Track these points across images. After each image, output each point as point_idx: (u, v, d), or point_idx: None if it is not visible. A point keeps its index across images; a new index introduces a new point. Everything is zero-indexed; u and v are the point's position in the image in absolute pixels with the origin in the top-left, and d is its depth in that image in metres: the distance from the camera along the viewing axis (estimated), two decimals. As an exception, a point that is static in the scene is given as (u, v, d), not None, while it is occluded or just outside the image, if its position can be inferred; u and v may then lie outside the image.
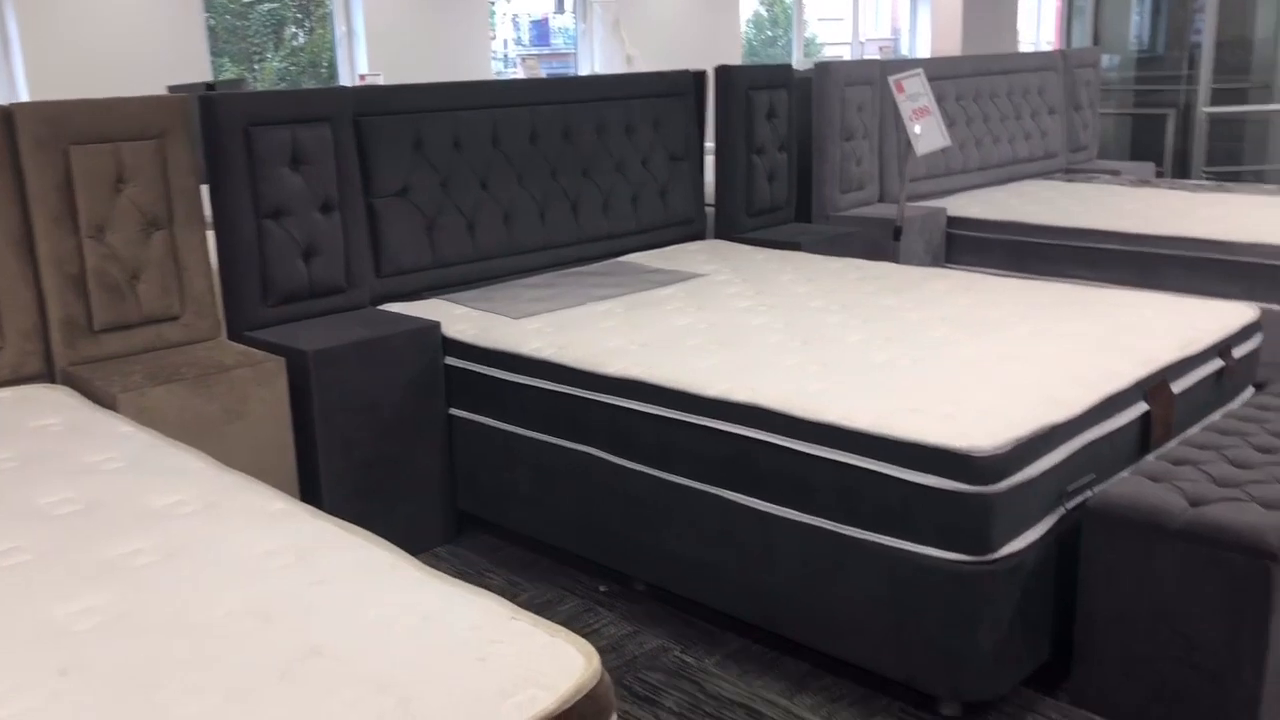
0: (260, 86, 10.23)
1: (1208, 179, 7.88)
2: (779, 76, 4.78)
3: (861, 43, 15.64)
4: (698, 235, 4.74)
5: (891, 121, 5.38)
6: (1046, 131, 6.47)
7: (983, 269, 5.17)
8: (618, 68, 11.91)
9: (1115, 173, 6.52)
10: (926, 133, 4.73)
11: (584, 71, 12.30)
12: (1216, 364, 3.09)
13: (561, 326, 3.34)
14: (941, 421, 2.42)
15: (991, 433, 2.34)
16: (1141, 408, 2.76)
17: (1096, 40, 9.98)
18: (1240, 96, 9.45)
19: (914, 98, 4.73)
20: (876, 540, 2.44)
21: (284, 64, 10.72)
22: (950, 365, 2.82)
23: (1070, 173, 6.62)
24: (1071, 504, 2.51)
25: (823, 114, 5.14)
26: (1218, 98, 9.18)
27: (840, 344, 3.07)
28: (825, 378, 2.76)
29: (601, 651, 2.82)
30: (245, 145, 3.20)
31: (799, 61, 15.10)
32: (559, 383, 3.06)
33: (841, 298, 3.60)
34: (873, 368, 2.83)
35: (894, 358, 2.91)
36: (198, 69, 8.47)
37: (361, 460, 3.18)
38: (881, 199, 5.48)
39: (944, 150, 4.94)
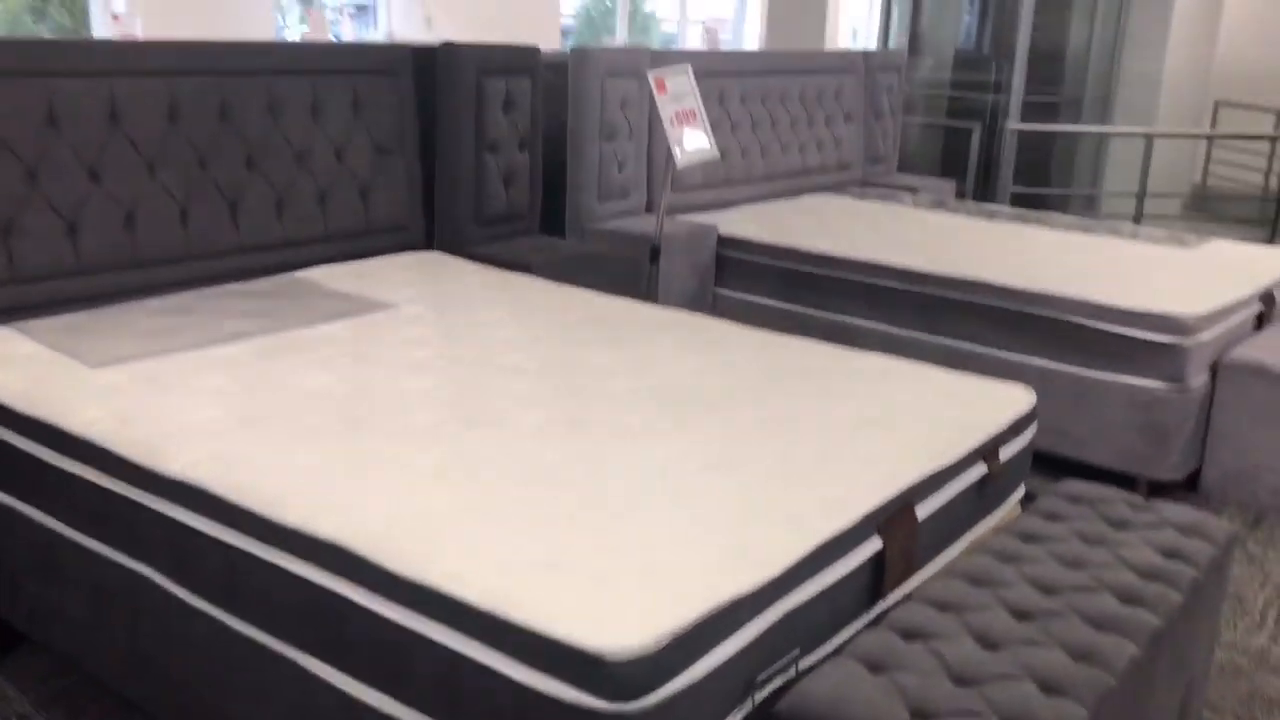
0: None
1: (1009, 201, 7.53)
2: (521, 60, 3.99)
3: (702, 23, 14.95)
4: (415, 245, 3.92)
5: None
6: (842, 140, 5.90)
7: (754, 296, 4.54)
8: (415, 29, 10.90)
9: (913, 189, 6.01)
10: (690, 140, 4.03)
11: (378, 30, 11.22)
12: (979, 470, 2.49)
13: (150, 381, 2.48)
14: (582, 590, 1.70)
15: (643, 620, 1.63)
16: (875, 544, 2.11)
17: (914, 41, 9.58)
18: (1052, 110, 9.21)
19: (678, 98, 4.02)
20: (482, 757, 1.70)
21: (32, -10, 9.28)
22: (630, 479, 2.10)
23: (866, 186, 6.08)
24: (764, 694, 1.84)
25: (579, 109, 4.38)
26: (1030, 111, 8.90)
27: (510, 430, 2.32)
28: (461, 492, 2.01)
29: None
30: None
31: (624, 39, 14.34)
32: (110, 475, 2.20)
33: (545, 350, 2.86)
34: (534, 476, 2.09)
35: (567, 458, 2.18)
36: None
37: None
38: (649, 209, 4.77)
39: (711, 160, 4.25)
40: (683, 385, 2.64)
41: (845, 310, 4.29)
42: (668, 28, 14.91)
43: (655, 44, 15.02)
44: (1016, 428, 2.63)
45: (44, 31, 9.36)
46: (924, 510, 2.26)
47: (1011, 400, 2.68)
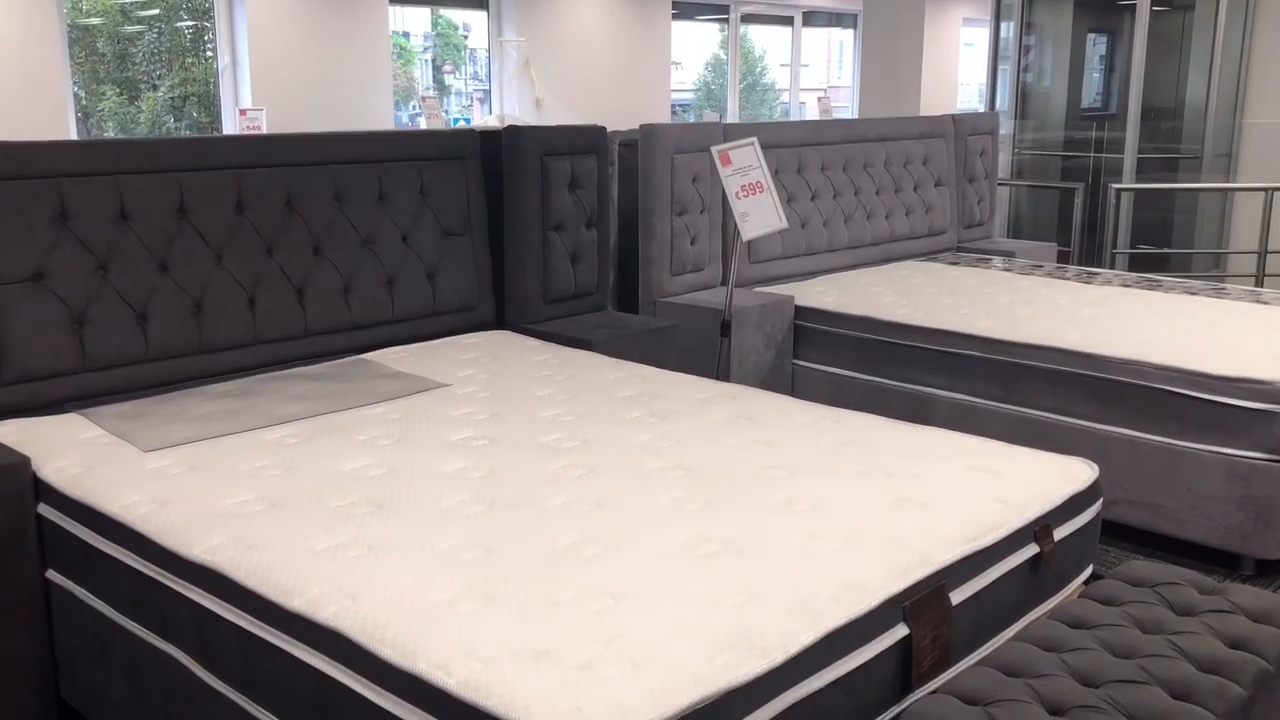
0: (141, 119, 9.48)
1: (1125, 264, 7.23)
2: (586, 140, 4.04)
3: (820, 92, 14.96)
4: (484, 325, 3.97)
5: (737, 193, 4.65)
6: (933, 206, 5.78)
7: (832, 368, 4.45)
8: (527, 110, 11.25)
9: (1010, 254, 5.84)
10: (756, 213, 4.00)
11: (492, 113, 11.62)
12: (1029, 551, 2.35)
13: (195, 465, 2.55)
14: (565, 681, 1.64)
15: (621, 713, 1.57)
16: (901, 631, 2.00)
17: (1024, 102, 9.39)
18: (1171, 167, 8.87)
19: (743, 171, 4.01)
20: None
21: (172, 94, 9.97)
22: (642, 561, 2.05)
23: (961, 252, 5.93)
24: (767, 793, 1.74)
25: (649, 185, 4.41)
26: (1147, 168, 8.59)
27: (533, 511, 2.30)
28: (472, 575, 1.99)
29: None
30: None
31: (734, 113, 14.47)
32: (142, 558, 2.26)
33: (587, 428, 2.84)
34: (546, 558, 2.06)
35: (583, 540, 2.14)
36: (56, 95, 7.80)
37: (-108, 646, 2.37)
38: (725, 281, 4.74)
39: (779, 232, 4.21)
40: (720, 463, 2.58)
41: (924, 380, 4.16)
42: (787, 98, 15.03)
43: (775, 115, 15.15)
44: (1073, 505, 2.47)
45: (183, 128, 10.00)
46: (961, 595, 2.14)
47: (1069, 475, 2.53)
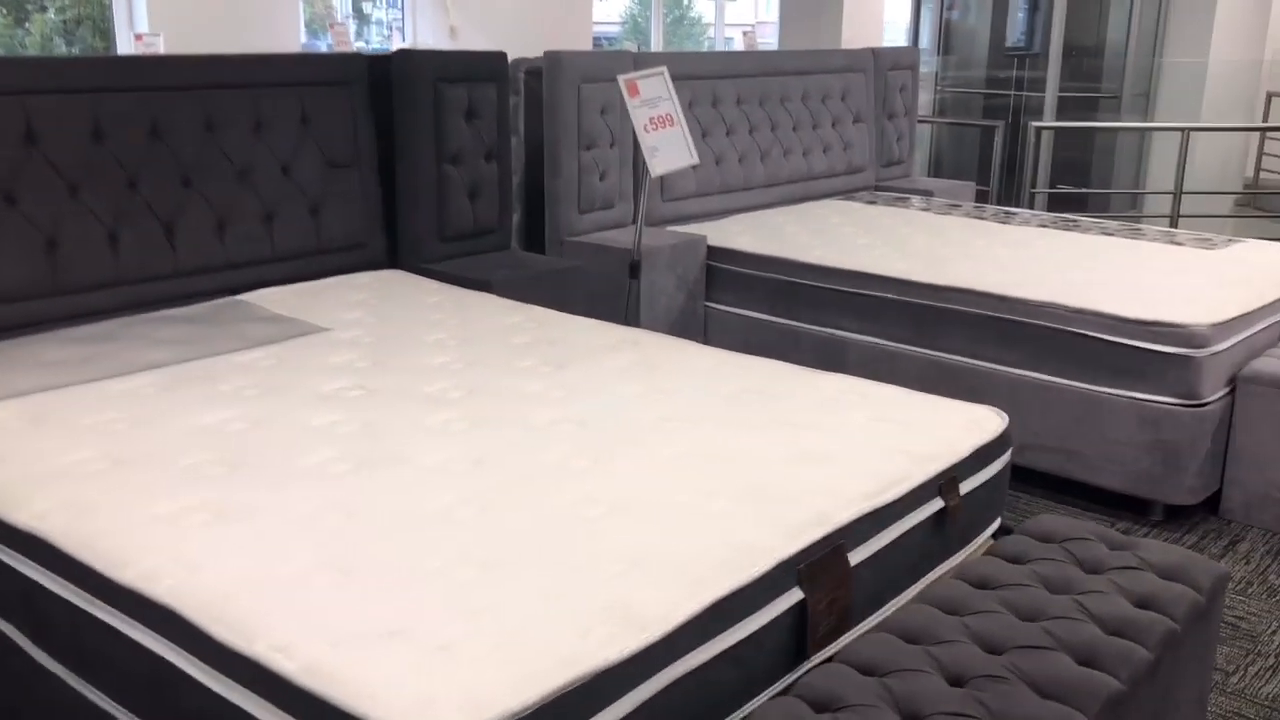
0: (29, 43, 8.89)
1: (1044, 203, 7.18)
2: (485, 67, 3.80)
3: (747, 27, 14.66)
4: (375, 264, 3.74)
5: (648, 127, 4.44)
6: (851, 143, 5.62)
7: (745, 310, 4.31)
8: (442, 40, 10.82)
9: (929, 193, 5.72)
10: (666, 147, 3.81)
11: (404, 42, 11.16)
12: (934, 505, 2.23)
13: (34, 419, 2.31)
14: (419, 664, 1.48)
15: (477, 701, 1.41)
16: (795, 596, 1.87)
17: (947, 39, 9.29)
18: (1091, 106, 8.84)
19: (652, 103, 3.81)
20: None
21: (64, 16, 9.36)
22: (519, 525, 1.88)
23: (879, 191, 5.80)
24: (646, 778, 1.61)
25: (555, 116, 4.18)
26: (1068, 107, 8.57)
27: (407, 471, 2.11)
28: (330, 543, 1.81)
29: None
30: None
31: (659, 45, 14.14)
32: (-35, 524, 2.04)
33: (476, 377, 2.66)
34: (413, 524, 1.89)
35: (457, 503, 1.97)
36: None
37: None
38: (636, 219, 4.55)
39: (690, 167, 4.03)
40: (614, 415, 2.42)
41: (839, 323, 4.04)
42: (714, 33, 14.71)
43: (703, 49, 14.84)
44: (982, 456, 2.36)
45: (74, 53, 9.41)
46: (861, 555, 2.02)
47: (978, 425, 2.42)
